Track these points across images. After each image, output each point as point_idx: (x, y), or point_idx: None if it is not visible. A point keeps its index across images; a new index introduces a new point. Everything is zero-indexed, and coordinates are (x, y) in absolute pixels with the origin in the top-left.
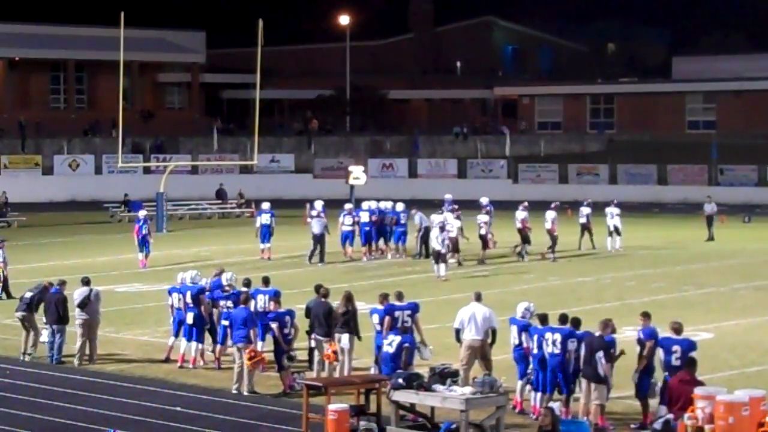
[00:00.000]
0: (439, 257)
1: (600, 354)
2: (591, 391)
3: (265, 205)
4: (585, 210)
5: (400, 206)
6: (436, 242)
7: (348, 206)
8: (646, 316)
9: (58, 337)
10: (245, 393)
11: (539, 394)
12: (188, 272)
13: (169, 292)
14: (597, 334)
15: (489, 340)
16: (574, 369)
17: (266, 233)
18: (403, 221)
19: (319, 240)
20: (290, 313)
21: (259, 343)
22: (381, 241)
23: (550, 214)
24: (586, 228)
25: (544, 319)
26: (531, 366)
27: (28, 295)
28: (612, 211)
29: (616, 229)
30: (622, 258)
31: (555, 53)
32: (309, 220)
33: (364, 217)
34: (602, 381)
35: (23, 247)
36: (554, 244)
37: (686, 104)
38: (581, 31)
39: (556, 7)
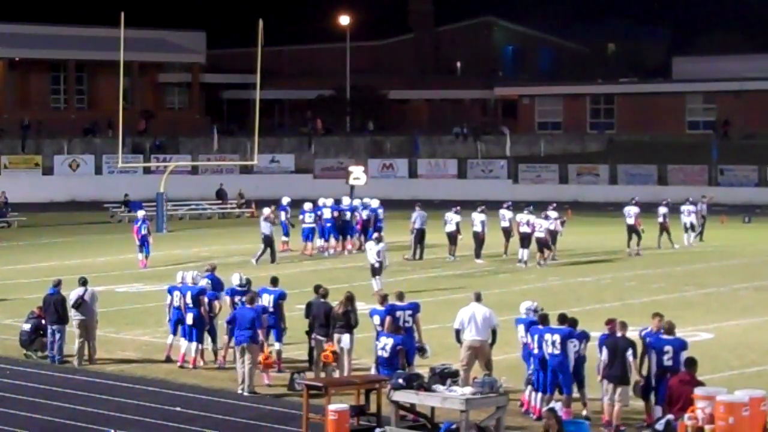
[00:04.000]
0: (374, 271)
1: (629, 352)
2: (616, 394)
3: (284, 200)
4: (662, 209)
5: (375, 203)
6: (371, 254)
7: (307, 204)
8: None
9: (58, 337)
10: (245, 393)
11: (539, 395)
12: (189, 272)
13: (169, 291)
14: (618, 334)
15: (489, 341)
16: (575, 369)
17: (285, 227)
18: (379, 218)
19: (268, 241)
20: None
21: (277, 344)
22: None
23: (633, 209)
24: (663, 227)
25: (544, 319)
26: (532, 366)
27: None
28: (688, 208)
29: (692, 226)
30: (622, 258)
31: (555, 53)
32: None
33: (327, 213)
34: (628, 382)
35: (23, 247)
36: (639, 238)
37: (686, 104)
38: (581, 31)
39: (556, 7)
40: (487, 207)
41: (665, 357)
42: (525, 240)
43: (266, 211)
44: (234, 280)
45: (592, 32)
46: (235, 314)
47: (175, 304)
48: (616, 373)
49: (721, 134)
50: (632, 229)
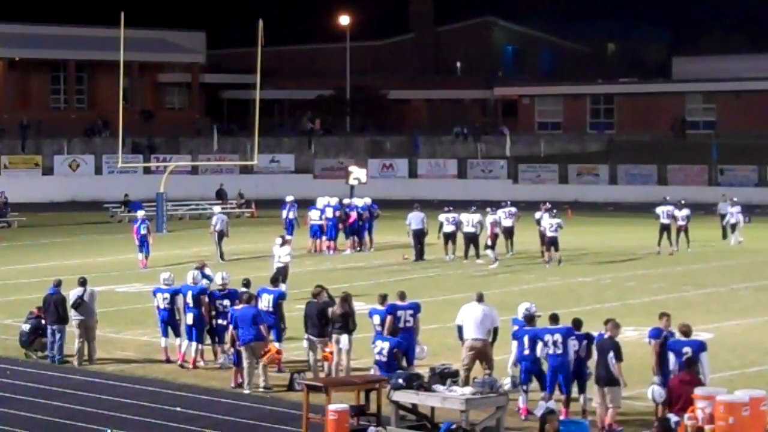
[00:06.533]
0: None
1: (611, 354)
2: (605, 395)
3: (289, 198)
4: (732, 209)
5: (367, 201)
6: (276, 258)
7: (321, 200)
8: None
9: (58, 337)
10: (261, 390)
11: (526, 395)
12: (164, 273)
13: (154, 293)
14: (606, 335)
15: (490, 339)
16: (574, 369)
17: (290, 225)
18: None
19: (220, 236)
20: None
21: (276, 343)
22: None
23: (668, 209)
24: (733, 226)
25: (531, 319)
26: (518, 366)
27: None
28: (733, 210)
29: (733, 226)
30: (622, 258)
31: (555, 53)
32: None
33: (329, 212)
34: (615, 383)
35: (23, 247)
36: (671, 236)
37: (686, 104)
38: (581, 31)
39: (556, 7)
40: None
41: (684, 359)
42: (496, 242)
43: (217, 209)
44: (217, 279)
45: (592, 32)
46: (236, 315)
47: (160, 306)
48: (601, 374)
49: (678, 133)
50: (667, 229)
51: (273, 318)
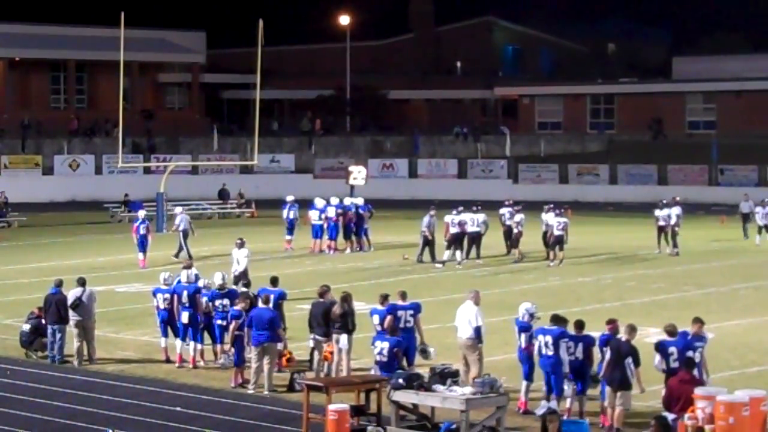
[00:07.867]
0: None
1: (629, 360)
2: (616, 397)
3: (289, 198)
4: (763, 209)
5: (360, 201)
6: (235, 261)
7: (319, 201)
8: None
9: (59, 337)
10: (266, 393)
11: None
12: (163, 273)
13: (154, 293)
14: (623, 338)
15: (477, 340)
16: (578, 372)
17: (290, 225)
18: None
19: (186, 236)
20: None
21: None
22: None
23: (676, 210)
24: (765, 226)
25: (561, 320)
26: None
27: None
28: (765, 211)
29: (766, 226)
30: (622, 258)
31: (555, 53)
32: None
33: (331, 212)
34: (629, 387)
35: (23, 247)
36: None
37: (686, 104)
38: (581, 31)
39: (556, 7)
40: (486, 207)
41: (671, 359)
42: (457, 241)
43: (179, 209)
44: (217, 279)
45: (592, 32)
46: (252, 315)
47: (160, 306)
48: (616, 377)
49: (655, 133)
50: (671, 229)
51: None
